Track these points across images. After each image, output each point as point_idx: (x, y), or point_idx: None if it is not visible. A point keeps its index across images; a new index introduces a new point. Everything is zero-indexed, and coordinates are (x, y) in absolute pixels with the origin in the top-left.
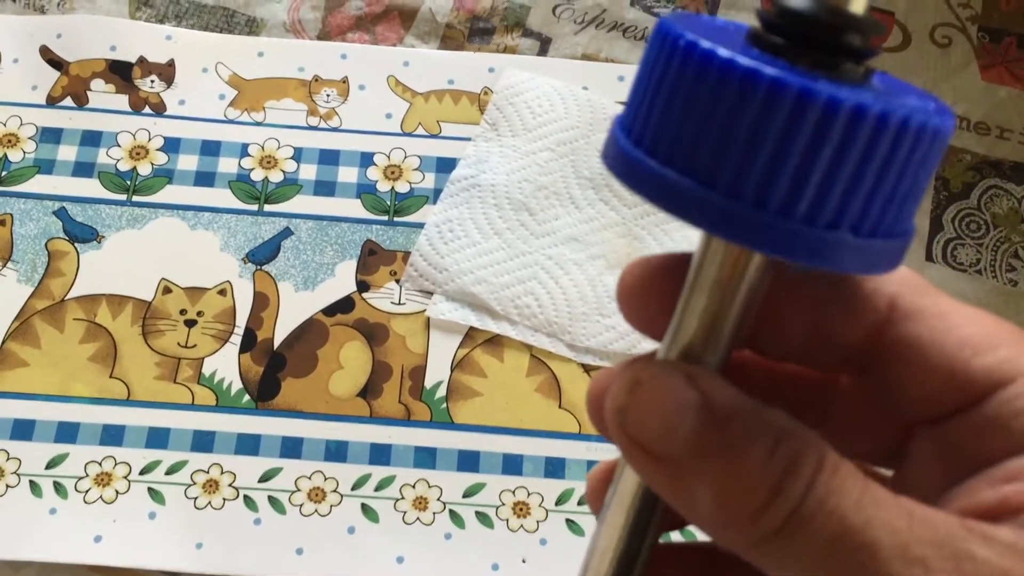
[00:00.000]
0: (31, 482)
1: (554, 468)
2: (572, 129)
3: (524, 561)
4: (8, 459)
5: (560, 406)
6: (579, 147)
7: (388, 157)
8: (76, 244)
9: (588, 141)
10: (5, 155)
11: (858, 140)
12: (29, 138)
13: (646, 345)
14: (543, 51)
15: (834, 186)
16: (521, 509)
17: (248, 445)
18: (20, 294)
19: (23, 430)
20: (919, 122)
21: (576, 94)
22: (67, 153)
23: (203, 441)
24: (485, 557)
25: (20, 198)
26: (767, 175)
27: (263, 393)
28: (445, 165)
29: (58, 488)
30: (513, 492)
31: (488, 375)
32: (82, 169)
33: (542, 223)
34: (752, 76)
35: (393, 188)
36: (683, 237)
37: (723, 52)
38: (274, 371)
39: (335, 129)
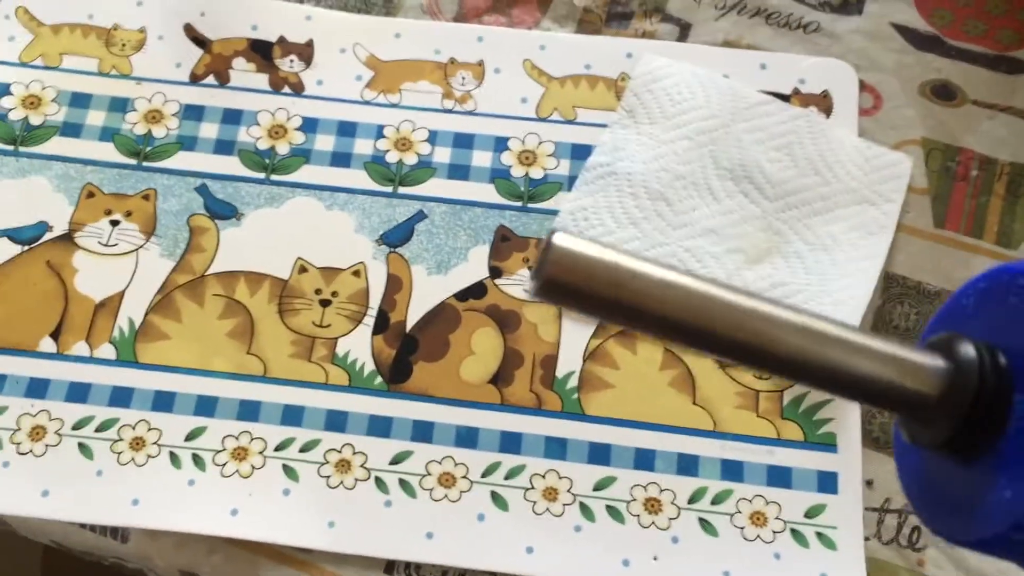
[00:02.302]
0: (171, 453)
1: (687, 465)
2: (712, 118)
3: (655, 559)
4: (149, 429)
5: (694, 402)
6: (719, 136)
7: (523, 142)
8: (216, 221)
9: (728, 131)
10: (150, 131)
11: None
12: (173, 115)
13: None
14: (683, 37)
15: None
16: (653, 505)
17: (380, 427)
18: (163, 268)
19: (164, 402)
20: None
21: (717, 82)
22: (209, 131)
23: (336, 421)
24: (615, 552)
25: (163, 174)
26: None
27: (395, 375)
28: (580, 152)
29: (197, 460)
30: (645, 488)
31: (621, 367)
32: (223, 147)
33: (679, 214)
34: None
35: (527, 174)
36: (827, 233)
37: None
38: (406, 354)
39: (470, 112)
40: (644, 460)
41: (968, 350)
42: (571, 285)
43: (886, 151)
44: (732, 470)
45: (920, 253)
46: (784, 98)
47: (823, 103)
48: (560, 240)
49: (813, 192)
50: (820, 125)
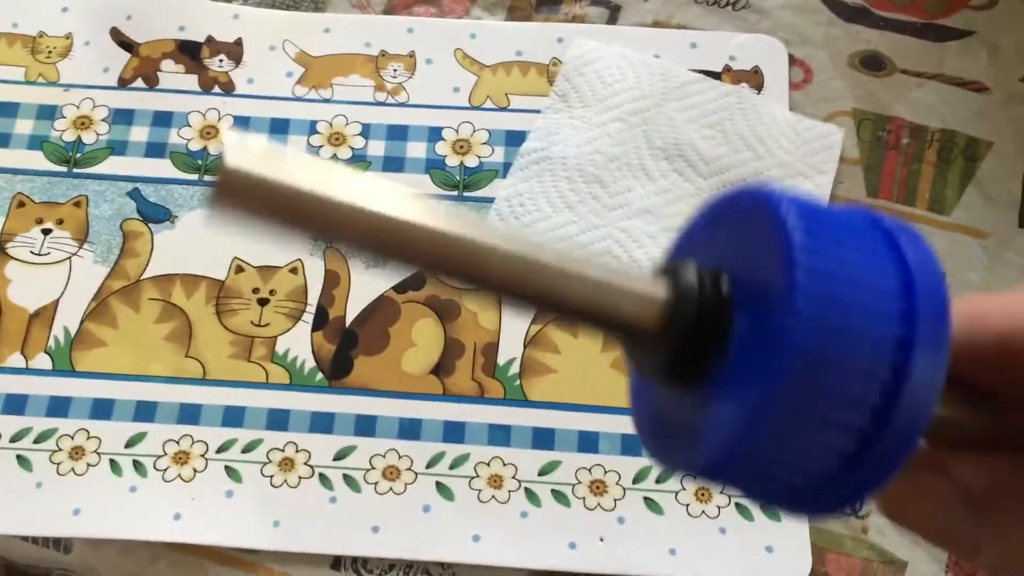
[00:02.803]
0: (111, 461)
1: (631, 445)
2: (644, 99)
3: (602, 540)
4: (89, 438)
5: None
6: (651, 117)
7: (456, 131)
8: (150, 224)
9: (661, 110)
10: (79, 137)
11: None
12: (102, 120)
13: None
14: (612, 19)
15: None
16: (598, 487)
17: (322, 423)
18: (97, 275)
19: (102, 409)
20: None
21: (647, 63)
22: (139, 134)
23: (278, 420)
24: (562, 535)
25: (95, 180)
26: None
27: (336, 371)
28: (514, 138)
29: (137, 466)
30: (590, 470)
31: (562, 351)
32: (154, 150)
33: (614, 195)
34: None
35: (462, 163)
36: None
37: None
38: (346, 349)
39: (403, 104)
40: (588, 443)
41: (689, 275)
42: (248, 213)
43: (817, 123)
44: None
45: None
46: (715, 76)
47: (754, 79)
48: (233, 160)
49: (746, 168)
50: (751, 101)
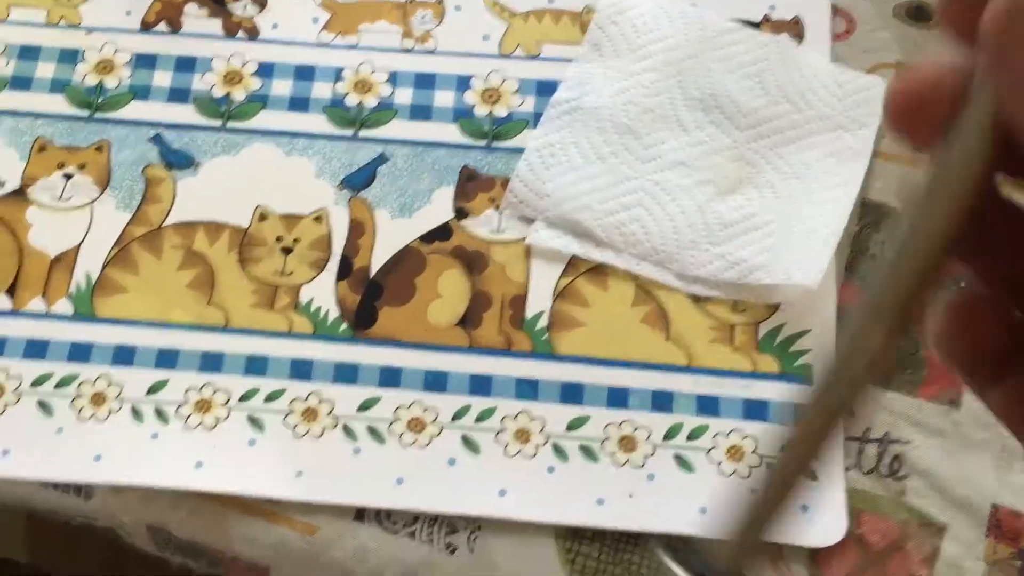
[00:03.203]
0: (133, 408)
1: (661, 402)
2: (680, 48)
3: (631, 496)
4: (110, 384)
5: (667, 338)
6: (687, 67)
7: (486, 81)
8: (173, 171)
9: (697, 61)
10: (101, 82)
11: None
12: (124, 64)
13: (757, 275)
14: None
15: None
16: (627, 443)
17: (346, 374)
18: (119, 221)
19: (124, 356)
20: None
21: (684, 11)
22: (162, 79)
23: (301, 369)
24: (590, 492)
25: (117, 125)
26: None
27: (360, 322)
28: (545, 88)
29: (159, 414)
30: (619, 426)
31: (591, 305)
32: (177, 95)
33: (648, 147)
34: None
35: (491, 112)
36: (800, 162)
37: None
38: (371, 300)
39: (431, 52)
40: (617, 398)
41: None
42: None
43: (860, 75)
44: (707, 405)
45: (897, 178)
46: (754, 25)
47: (794, 29)
48: None
49: (785, 120)
50: (791, 51)
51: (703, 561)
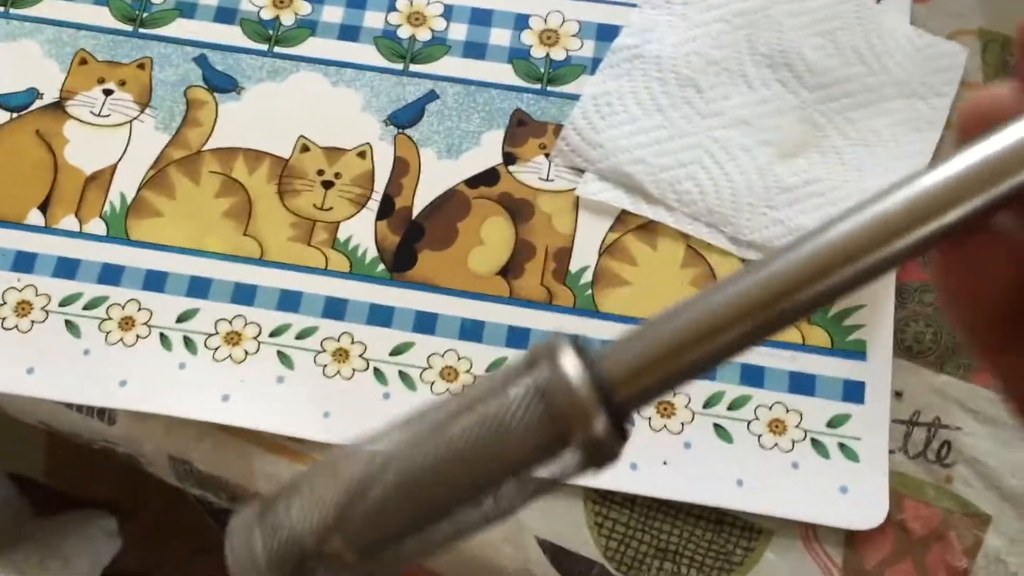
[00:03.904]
0: (161, 334)
1: None
2: (751, 0)
3: (665, 463)
4: (140, 309)
5: None
6: (757, 20)
7: (545, 20)
8: (215, 94)
9: (768, 14)
10: None
11: None
12: None
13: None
14: None
15: None
16: (666, 408)
17: (381, 316)
18: (157, 142)
19: (155, 281)
20: None
21: None
22: None
23: (335, 308)
24: (624, 455)
25: (160, 42)
26: None
27: (398, 263)
28: (606, 33)
29: (188, 343)
30: None
31: (639, 263)
32: (224, 15)
33: (710, 102)
34: None
35: (548, 54)
36: (869, 128)
37: None
38: (411, 241)
39: None
40: None
41: None
42: None
43: (940, 41)
44: (752, 375)
45: None
46: None
47: None
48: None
49: (857, 83)
50: (869, 10)
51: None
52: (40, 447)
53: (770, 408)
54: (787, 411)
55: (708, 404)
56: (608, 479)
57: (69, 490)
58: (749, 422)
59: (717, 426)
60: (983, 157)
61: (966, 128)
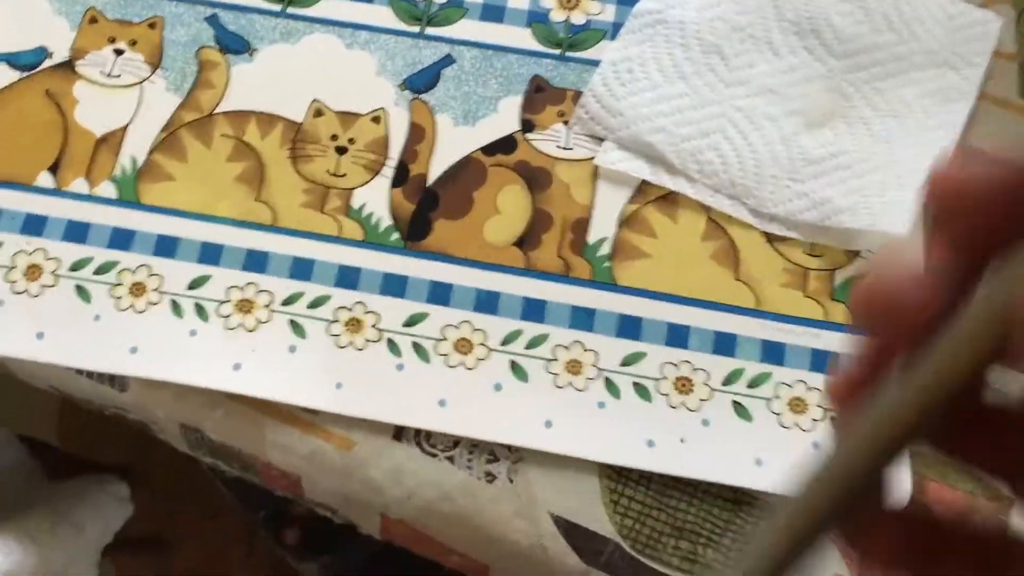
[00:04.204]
0: (173, 301)
1: (724, 344)
2: None
3: (683, 441)
4: (151, 275)
5: (737, 277)
6: None
7: None
8: (227, 55)
9: None
10: None
11: None
12: None
13: (841, 218)
14: None
15: None
16: (684, 385)
17: (394, 286)
18: (168, 104)
19: (166, 247)
20: None
21: None
22: None
23: (348, 277)
24: (640, 432)
25: (172, 1)
26: None
27: (413, 232)
28: None
29: (199, 310)
30: (676, 366)
31: (658, 235)
32: None
33: (734, 70)
34: None
35: (568, 19)
36: (898, 98)
37: None
38: (426, 210)
39: None
40: (677, 336)
41: None
42: None
43: (972, 8)
44: (773, 352)
45: (1001, 126)
46: None
47: None
48: None
49: (887, 51)
50: None
51: None
52: (53, 411)
53: (791, 386)
54: (808, 389)
55: (727, 381)
56: (624, 456)
57: (81, 454)
58: (769, 400)
59: (736, 404)
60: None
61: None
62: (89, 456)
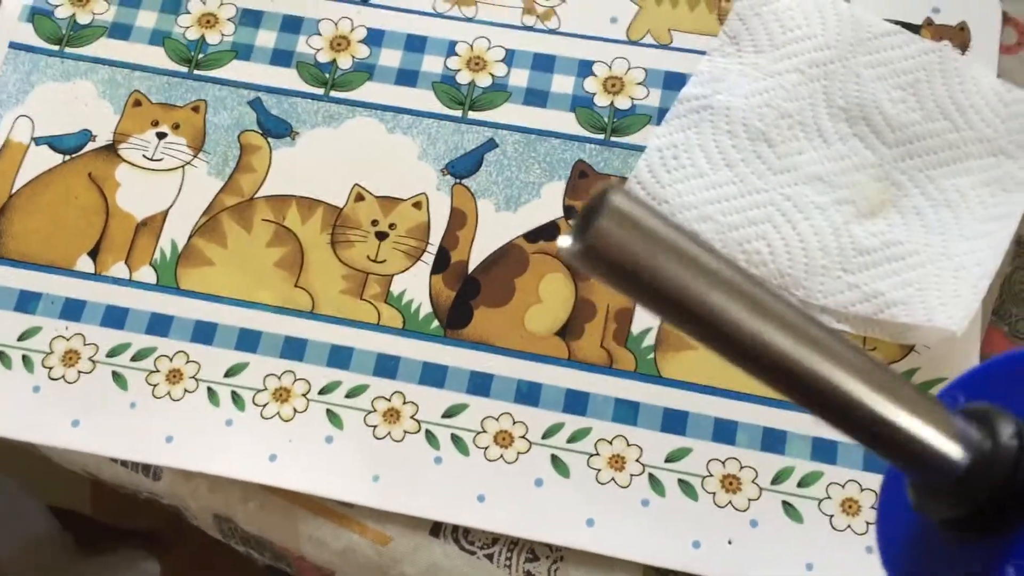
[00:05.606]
0: (209, 388)
1: (772, 441)
2: (827, 49)
3: (730, 543)
4: (188, 362)
5: None
6: (834, 71)
7: (609, 67)
8: (269, 139)
9: (846, 65)
10: (203, 36)
11: None
12: (228, 19)
13: (894, 311)
14: None
15: None
16: (731, 483)
17: (434, 376)
18: (210, 188)
19: (204, 333)
20: None
21: (836, 7)
22: (266, 39)
23: (387, 366)
24: (686, 532)
25: (215, 84)
26: None
27: (453, 320)
28: (674, 81)
29: (236, 399)
30: (723, 463)
31: None
32: (280, 57)
33: (782, 157)
34: None
35: (612, 103)
36: (953, 187)
37: None
38: (467, 297)
39: (552, 31)
40: (724, 432)
41: (1008, 429)
42: (617, 260)
43: None
44: (824, 450)
45: None
46: (914, 29)
47: (959, 37)
48: (618, 201)
49: (940, 139)
50: (954, 62)
51: None
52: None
53: (843, 486)
54: (861, 490)
55: (776, 480)
56: (669, 557)
57: (112, 522)
58: (820, 501)
59: (786, 504)
60: None
61: None
62: (121, 523)
